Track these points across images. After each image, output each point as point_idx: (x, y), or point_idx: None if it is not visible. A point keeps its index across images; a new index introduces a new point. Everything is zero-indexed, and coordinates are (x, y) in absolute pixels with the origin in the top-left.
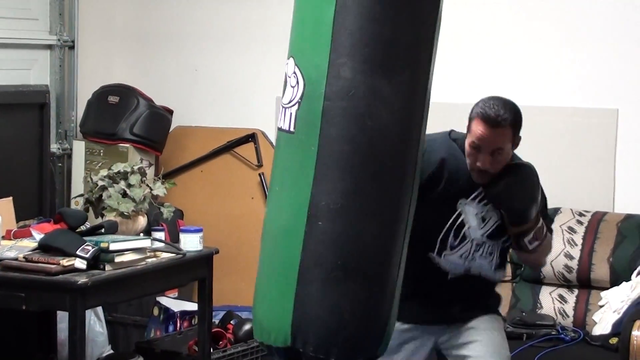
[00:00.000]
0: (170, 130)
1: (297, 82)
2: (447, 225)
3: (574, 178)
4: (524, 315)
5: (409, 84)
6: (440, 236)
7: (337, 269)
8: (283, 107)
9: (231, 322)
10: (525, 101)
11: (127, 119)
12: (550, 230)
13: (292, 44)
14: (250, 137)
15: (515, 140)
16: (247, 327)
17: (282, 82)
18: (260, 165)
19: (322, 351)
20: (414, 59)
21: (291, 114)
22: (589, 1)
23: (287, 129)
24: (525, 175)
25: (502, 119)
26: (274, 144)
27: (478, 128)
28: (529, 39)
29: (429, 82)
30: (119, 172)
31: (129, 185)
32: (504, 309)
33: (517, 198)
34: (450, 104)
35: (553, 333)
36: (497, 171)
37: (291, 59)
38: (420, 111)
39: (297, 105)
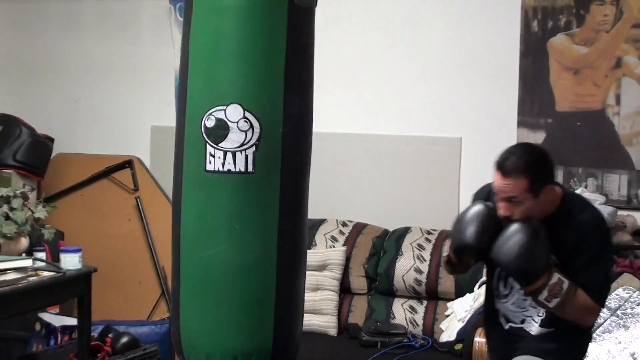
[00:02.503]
0: (52, 156)
1: (251, 126)
2: (496, 273)
3: (422, 200)
4: (378, 325)
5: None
6: (493, 283)
7: (301, 286)
8: (226, 150)
9: (109, 335)
10: (380, 130)
11: (10, 147)
12: (599, 300)
13: (231, 92)
14: (127, 164)
15: (535, 189)
16: (124, 339)
17: (156, 113)
18: (136, 190)
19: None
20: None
21: (247, 156)
22: (437, 44)
23: (243, 170)
24: (518, 232)
25: (512, 168)
26: (178, 179)
27: (495, 176)
28: (386, 76)
29: None
30: (1, 197)
31: (12, 209)
32: (360, 320)
33: (504, 256)
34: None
35: (405, 341)
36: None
37: (235, 105)
38: None
39: (254, 147)
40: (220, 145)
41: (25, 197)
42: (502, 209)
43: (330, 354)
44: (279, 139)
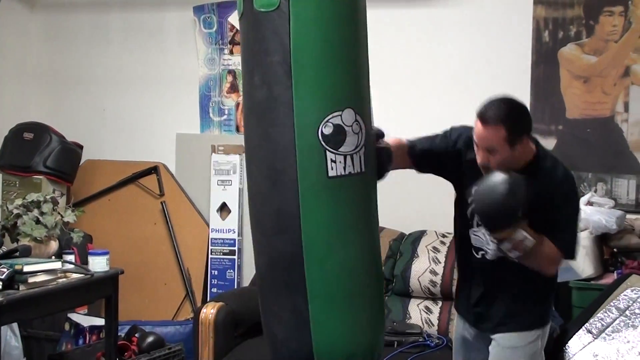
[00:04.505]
0: (81, 163)
1: (360, 129)
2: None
3: (438, 204)
4: (394, 324)
5: None
6: (469, 210)
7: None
8: (346, 154)
9: (135, 335)
10: (397, 136)
11: (41, 154)
12: (565, 251)
13: (345, 98)
14: (153, 170)
15: (512, 140)
16: (150, 339)
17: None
18: (162, 195)
19: None
20: None
21: (360, 157)
22: (451, 54)
23: (359, 171)
24: (498, 183)
25: (492, 118)
26: (293, 189)
27: (475, 125)
28: (403, 84)
29: None
30: (32, 201)
31: (42, 213)
32: None
33: (479, 202)
34: None
35: (420, 340)
36: (500, 169)
37: (349, 109)
38: None
39: (363, 147)
40: (339, 150)
41: (55, 202)
42: (479, 157)
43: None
44: (371, 139)
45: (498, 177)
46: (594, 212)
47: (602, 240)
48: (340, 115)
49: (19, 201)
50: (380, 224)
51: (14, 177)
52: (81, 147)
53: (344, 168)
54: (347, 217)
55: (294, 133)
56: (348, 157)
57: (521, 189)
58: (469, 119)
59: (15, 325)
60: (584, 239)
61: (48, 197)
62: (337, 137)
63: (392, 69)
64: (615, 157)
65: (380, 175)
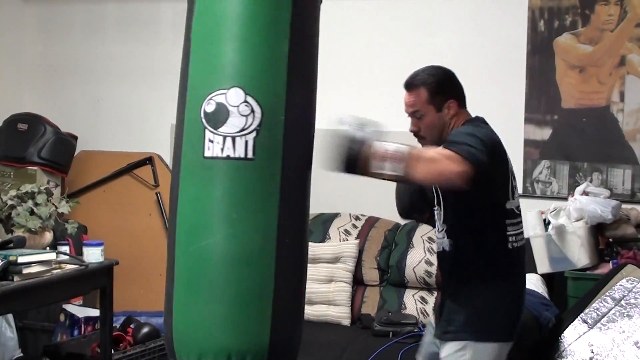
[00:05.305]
0: (75, 154)
1: (252, 111)
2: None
3: None
4: (390, 315)
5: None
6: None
7: (301, 284)
8: (226, 135)
9: (130, 326)
10: (392, 127)
11: (35, 144)
12: (456, 148)
13: (232, 76)
14: (148, 160)
15: (436, 101)
16: (145, 330)
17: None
18: (156, 185)
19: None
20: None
21: (247, 141)
22: (446, 44)
23: (243, 156)
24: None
25: (413, 81)
26: (177, 168)
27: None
28: (397, 74)
29: None
30: (26, 192)
31: (36, 204)
32: (372, 310)
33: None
34: None
35: (416, 330)
36: (432, 136)
37: (235, 89)
38: None
39: (254, 132)
40: (219, 130)
41: (49, 193)
42: (410, 126)
43: (343, 343)
44: (280, 126)
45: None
46: (590, 202)
47: (598, 230)
48: (225, 94)
49: (13, 192)
50: (376, 215)
51: (9, 168)
52: (76, 137)
53: (222, 150)
54: (218, 204)
55: (184, 109)
56: (228, 139)
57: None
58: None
59: (10, 316)
60: (580, 229)
61: (42, 188)
62: (218, 117)
63: (386, 59)
64: (610, 147)
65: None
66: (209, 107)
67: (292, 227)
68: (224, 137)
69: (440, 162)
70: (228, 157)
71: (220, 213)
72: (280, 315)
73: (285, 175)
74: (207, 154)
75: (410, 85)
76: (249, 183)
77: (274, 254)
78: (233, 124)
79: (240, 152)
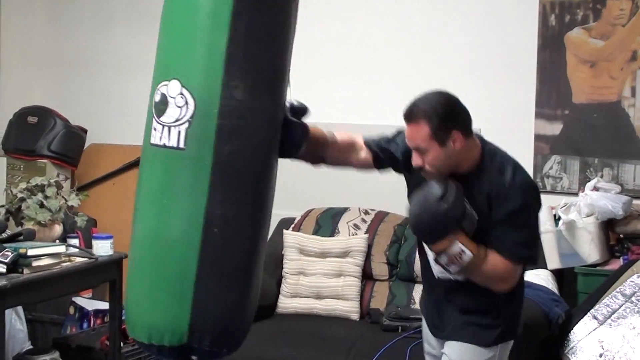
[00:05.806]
0: (85, 147)
1: (186, 102)
2: None
3: None
4: (399, 310)
5: (281, 101)
6: None
7: (232, 271)
8: (164, 125)
9: None
10: (402, 122)
11: (45, 137)
12: (514, 252)
13: (173, 68)
14: None
15: (439, 136)
16: None
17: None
18: None
19: (217, 344)
20: (284, 78)
21: (179, 131)
22: (457, 38)
23: (175, 145)
24: (429, 193)
25: (413, 114)
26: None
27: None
28: (407, 69)
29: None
30: (36, 185)
31: (46, 197)
32: (381, 305)
33: (411, 214)
34: None
35: None
36: (438, 170)
37: (174, 81)
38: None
39: (187, 123)
40: (160, 119)
41: (59, 185)
42: (413, 160)
43: (352, 337)
44: (213, 119)
45: (430, 187)
46: (600, 198)
47: (608, 225)
48: (167, 85)
49: (23, 185)
50: (385, 209)
51: (19, 161)
52: (85, 131)
53: (160, 138)
54: (154, 189)
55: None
56: (166, 129)
57: (453, 197)
58: (473, 105)
59: (20, 308)
60: (590, 225)
61: (52, 181)
62: (161, 106)
63: (396, 51)
64: (621, 142)
65: (292, 151)
66: (157, 96)
67: (223, 215)
68: (163, 126)
69: (499, 282)
70: (164, 146)
71: (154, 198)
72: (203, 299)
73: (217, 168)
74: (152, 141)
75: (410, 117)
76: (178, 172)
77: (199, 240)
78: (170, 114)
79: (173, 142)
